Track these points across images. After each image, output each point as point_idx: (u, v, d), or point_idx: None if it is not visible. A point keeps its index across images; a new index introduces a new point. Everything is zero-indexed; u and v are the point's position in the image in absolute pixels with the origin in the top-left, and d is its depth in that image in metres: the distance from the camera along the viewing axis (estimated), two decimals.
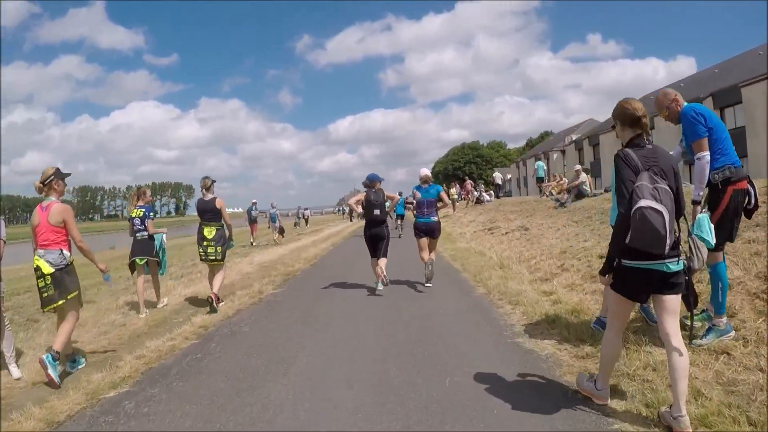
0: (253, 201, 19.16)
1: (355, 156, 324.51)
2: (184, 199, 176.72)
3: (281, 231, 18.66)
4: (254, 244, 17.69)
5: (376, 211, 6.19)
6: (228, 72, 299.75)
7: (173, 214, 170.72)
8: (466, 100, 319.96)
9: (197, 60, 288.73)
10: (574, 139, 39.92)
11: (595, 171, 33.33)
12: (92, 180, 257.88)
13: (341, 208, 53.18)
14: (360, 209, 6.36)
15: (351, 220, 34.62)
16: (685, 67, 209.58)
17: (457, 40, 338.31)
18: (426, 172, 6.55)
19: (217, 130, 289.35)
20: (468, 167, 70.81)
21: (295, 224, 29.85)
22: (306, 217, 31.70)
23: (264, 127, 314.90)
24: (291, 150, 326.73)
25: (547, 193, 15.67)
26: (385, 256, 6.31)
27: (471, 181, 27.63)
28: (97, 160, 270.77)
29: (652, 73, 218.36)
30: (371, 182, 6.33)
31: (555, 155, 41.75)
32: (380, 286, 6.14)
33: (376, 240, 6.25)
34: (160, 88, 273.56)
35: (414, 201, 6.52)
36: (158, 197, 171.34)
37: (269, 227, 18.70)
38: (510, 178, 40.92)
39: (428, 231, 6.38)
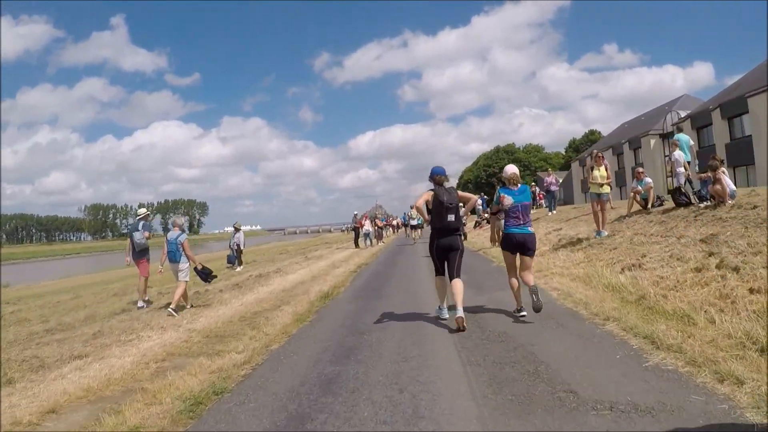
0: (144, 212, 8.95)
1: (377, 171, 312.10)
2: (198, 216, 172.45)
3: (206, 276, 7.80)
4: (146, 301, 8.28)
5: (450, 216, 4.66)
6: (249, 90, 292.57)
7: (187, 231, 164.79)
8: (484, 113, 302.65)
9: (219, 79, 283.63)
10: (683, 116, 26.11)
11: (744, 156, 20.82)
12: (115, 199, 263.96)
13: (349, 225, 39.85)
14: (426, 215, 4.96)
15: (357, 245, 21.33)
16: (702, 73, 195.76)
17: (473, 53, 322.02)
18: (514, 169, 4.92)
19: (239, 149, 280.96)
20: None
21: (229, 260, 15.71)
22: (237, 247, 15.34)
23: (285, 144, 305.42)
24: (312, 167, 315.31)
25: None
26: (458, 276, 4.75)
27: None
28: (120, 180, 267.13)
29: (670, 81, 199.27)
30: (438, 177, 4.78)
31: (652, 141, 29.20)
32: (445, 313, 4.89)
33: (446, 252, 4.77)
34: (182, 108, 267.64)
35: (500, 208, 4.89)
36: (170, 215, 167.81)
37: (161, 267, 7.65)
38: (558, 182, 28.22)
39: (524, 245, 4.71)
